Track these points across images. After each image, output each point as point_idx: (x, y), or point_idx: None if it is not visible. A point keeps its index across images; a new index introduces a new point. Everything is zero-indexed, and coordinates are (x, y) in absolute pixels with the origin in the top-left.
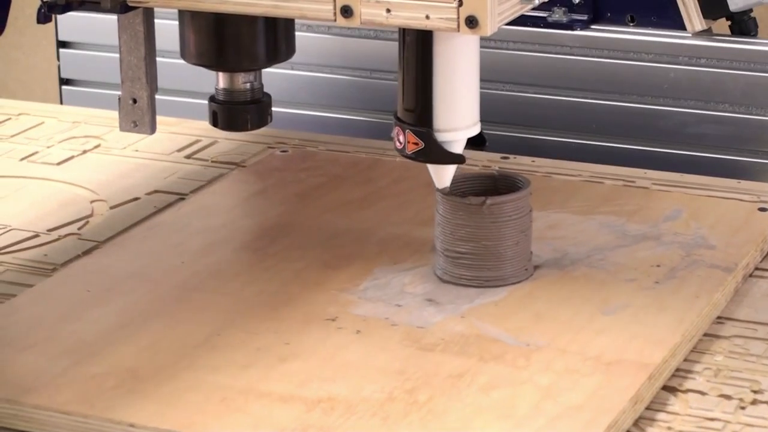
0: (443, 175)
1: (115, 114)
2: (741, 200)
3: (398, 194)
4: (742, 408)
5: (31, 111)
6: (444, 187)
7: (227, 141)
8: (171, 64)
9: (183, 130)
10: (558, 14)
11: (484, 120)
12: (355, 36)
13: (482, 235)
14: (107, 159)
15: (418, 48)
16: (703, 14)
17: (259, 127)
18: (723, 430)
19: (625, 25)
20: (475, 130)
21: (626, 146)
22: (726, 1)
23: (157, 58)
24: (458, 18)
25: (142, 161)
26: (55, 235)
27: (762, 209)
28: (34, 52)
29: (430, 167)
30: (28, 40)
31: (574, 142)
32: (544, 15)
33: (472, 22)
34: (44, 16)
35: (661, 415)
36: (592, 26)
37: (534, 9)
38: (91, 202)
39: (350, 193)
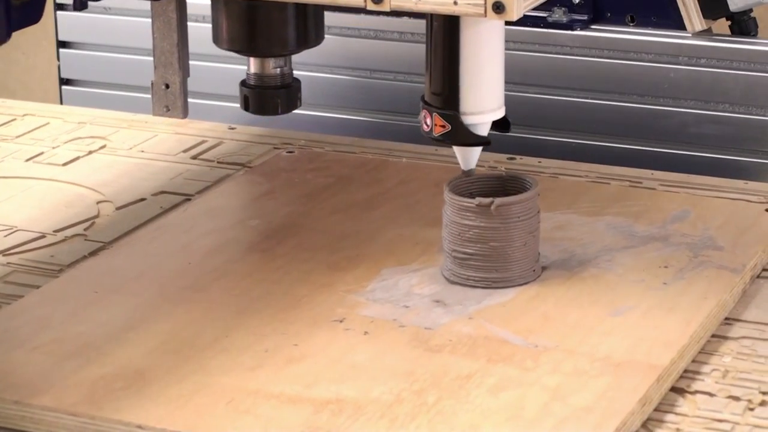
0: (469, 157)
1: (120, 114)
2: (748, 201)
3: (406, 195)
4: (751, 409)
5: (37, 112)
6: (470, 169)
7: (233, 142)
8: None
9: (189, 131)
10: (558, 14)
11: None
12: (355, 36)
13: (490, 236)
14: (113, 160)
15: (445, 33)
16: (703, 14)
17: (288, 111)
18: None
19: (625, 25)
20: (500, 113)
21: (626, 146)
22: (726, 1)
23: None
24: (485, 3)
25: (148, 162)
26: (61, 235)
27: None
28: (34, 52)
29: (457, 149)
30: (28, 40)
31: (574, 142)
32: (544, 15)
33: (498, 8)
34: (80, 3)
35: (669, 417)
36: (592, 26)
37: (534, 9)
38: (97, 202)
39: (357, 194)
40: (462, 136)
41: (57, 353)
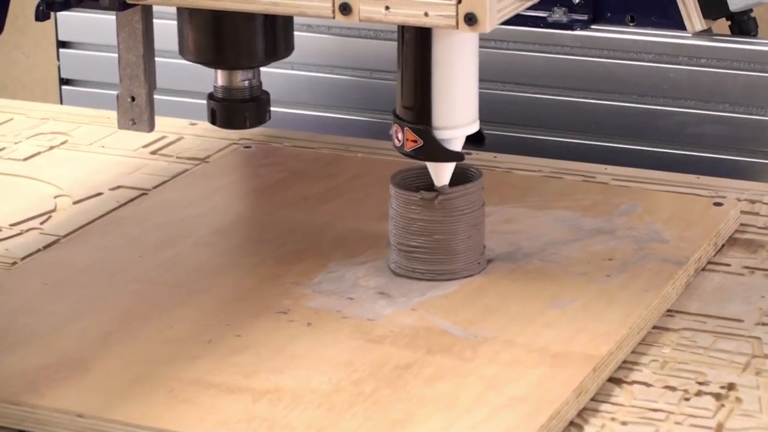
0: (442, 172)
1: (82, 110)
2: (698, 195)
3: (358, 189)
4: (686, 399)
5: (0, 108)
6: (443, 185)
7: (193, 137)
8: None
9: None
10: (558, 14)
11: (483, 119)
12: (355, 36)
13: (434, 229)
14: (74, 155)
15: (417, 45)
16: (703, 14)
17: (258, 125)
18: (666, 421)
19: (625, 25)
20: (474, 128)
21: (626, 146)
22: (726, 1)
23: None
24: (457, 15)
25: (108, 157)
26: (17, 229)
27: (717, 204)
28: (34, 52)
29: (429, 165)
30: (28, 40)
31: (573, 142)
32: (544, 15)
33: (471, 20)
34: (42, 13)
35: (605, 406)
36: (592, 26)
37: (534, 9)
38: (55, 197)
39: (310, 188)
40: (434, 151)
41: (1, 343)
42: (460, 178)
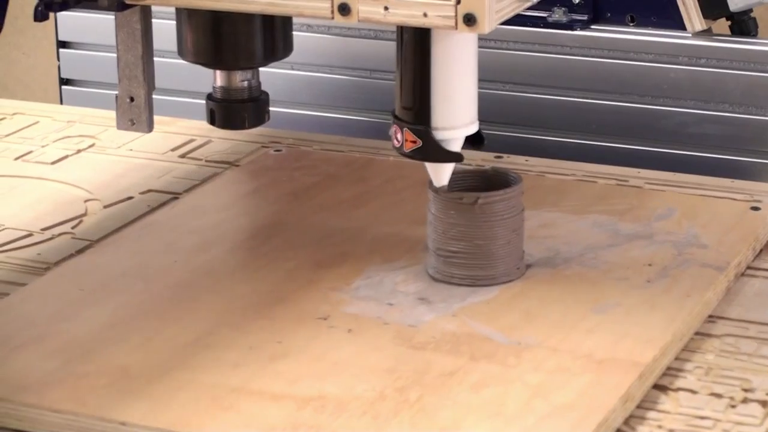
0: (441, 173)
1: (109, 113)
2: (734, 199)
3: (391, 193)
4: (733, 406)
5: (26, 110)
6: (442, 186)
7: (221, 140)
8: (166, 64)
9: (177, 130)
10: (558, 14)
11: (483, 120)
12: (355, 36)
13: (474, 234)
14: (101, 158)
15: (416, 46)
16: (703, 14)
17: (256, 125)
18: (713, 429)
19: (625, 25)
20: (473, 129)
21: (626, 146)
22: (726, 1)
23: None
24: (456, 15)
25: (137, 161)
26: (48, 234)
27: (754, 208)
28: (34, 52)
29: (428, 166)
30: (28, 40)
31: (573, 142)
32: (544, 15)
33: (470, 20)
34: (41, 13)
35: (651, 414)
36: (592, 26)
37: (534, 9)
38: (85, 201)
39: (343, 192)
40: (433, 152)
41: (41, 351)
42: (499, 182)
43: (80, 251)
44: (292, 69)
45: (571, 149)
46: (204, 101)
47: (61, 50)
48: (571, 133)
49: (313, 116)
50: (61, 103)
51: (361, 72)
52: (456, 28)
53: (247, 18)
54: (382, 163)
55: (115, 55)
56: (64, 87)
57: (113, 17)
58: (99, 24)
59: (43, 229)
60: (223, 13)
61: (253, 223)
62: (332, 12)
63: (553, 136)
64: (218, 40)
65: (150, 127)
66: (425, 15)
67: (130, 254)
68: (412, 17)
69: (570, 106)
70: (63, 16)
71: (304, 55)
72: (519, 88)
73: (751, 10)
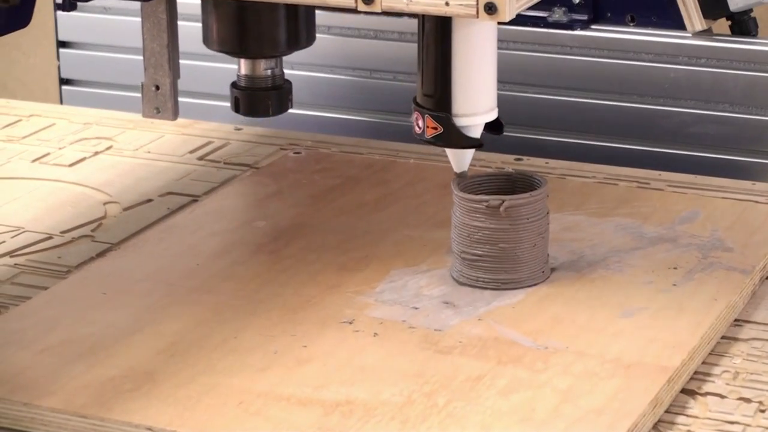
0: (461, 159)
1: (126, 115)
2: (756, 202)
3: (414, 196)
4: (762, 411)
5: (43, 112)
6: (462, 171)
7: (239, 142)
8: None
9: (195, 132)
10: (558, 14)
11: None
12: (355, 36)
13: (499, 237)
14: (119, 161)
15: (437, 34)
16: (703, 14)
17: (280, 113)
18: None
19: (625, 25)
20: (492, 115)
21: (626, 146)
22: (726, 1)
23: None
24: (477, 4)
25: (155, 163)
26: (68, 236)
27: None
28: (34, 52)
29: (449, 152)
30: (28, 40)
31: (573, 142)
32: (544, 15)
33: (490, 9)
34: (69, 3)
35: (680, 419)
36: (592, 26)
37: (534, 9)
38: (104, 203)
39: (365, 194)
40: (454, 138)
41: (65, 355)
42: (524, 185)
43: (101, 254)
44: (292, 69)
45: (571, 149)
46: (228, 97)
47: (61, 50)
48: (571, 134)
49: (314, 116)
50: (61, 103)
51: (361, 72)
52: (477, 17)
53: (271, 7)
54: (403, 166)
55: (115, 55)
56: (64, 87)
57: (113, 17)
58: (99, 24)
59: (63, 232)
60: (248, 3)
61: (275, 226)
62: (356, 1)
63: (552, 136)
64: (243, 29)
65: (175, 115)
66: (447, 4)
67: (152, 257)
68: (434, 6)
69: (570, 106)
70: (63, 16)
71: (304, 55)
72: (519, 88)
73: (751, 10)
